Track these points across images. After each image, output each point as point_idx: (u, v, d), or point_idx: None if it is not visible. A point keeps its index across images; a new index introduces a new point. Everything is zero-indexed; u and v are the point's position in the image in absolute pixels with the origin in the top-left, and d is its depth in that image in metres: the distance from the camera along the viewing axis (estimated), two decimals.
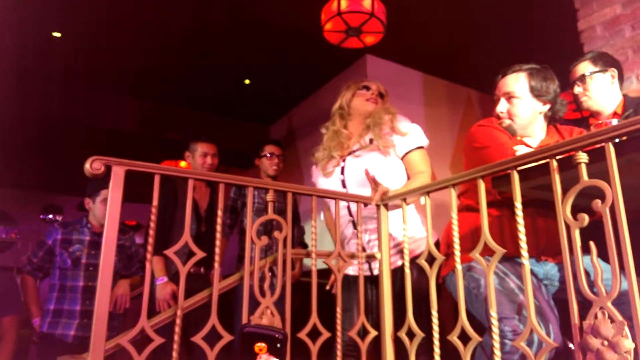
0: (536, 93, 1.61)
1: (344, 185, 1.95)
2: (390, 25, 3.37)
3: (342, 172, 1.96)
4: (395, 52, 4.55)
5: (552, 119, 1.68)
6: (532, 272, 1.51)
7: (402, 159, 1.94)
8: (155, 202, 1.39)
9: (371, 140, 1.97)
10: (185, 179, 1.48)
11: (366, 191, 1.77)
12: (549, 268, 1.55)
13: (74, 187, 2.83)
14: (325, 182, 2.00)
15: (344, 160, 1.98)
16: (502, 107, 1.65)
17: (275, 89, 5.37)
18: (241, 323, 1.44)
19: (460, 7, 3.88)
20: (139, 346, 1.33)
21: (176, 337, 1.33)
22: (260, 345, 0.59)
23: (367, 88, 2.07)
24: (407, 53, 4.58)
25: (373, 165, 1.88)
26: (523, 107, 1.62)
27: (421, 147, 1.94)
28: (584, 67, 2.01)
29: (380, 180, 1.73)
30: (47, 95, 5.00)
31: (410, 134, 1.93)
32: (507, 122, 1.64)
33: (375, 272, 1.79)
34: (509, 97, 1.64)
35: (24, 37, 4.13)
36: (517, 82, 1.63)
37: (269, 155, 3.02)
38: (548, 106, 1.64)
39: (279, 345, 0.59)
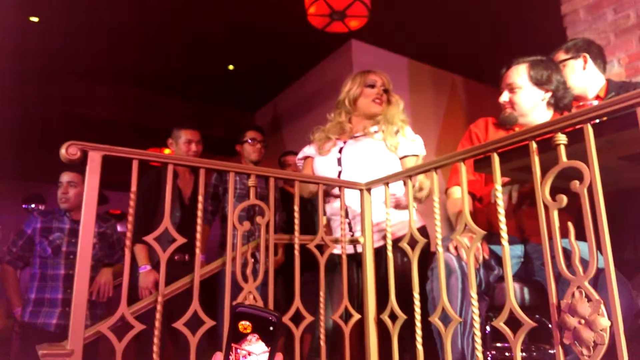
0: (536, 82, 1.70)
1: (339, 163, 2.01)
2: (374, 9, 3.34)
3: (340, 152, 2.03)
4: (381, 37, 4.52)
5: (557, 106, 1.75)
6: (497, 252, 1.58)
7: (400, 159, 2.00)
8: (133, 187, 1.37)
9: (375, 131, 2.03)
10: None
11: (360, 172, 1.87)
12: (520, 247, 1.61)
13: (55, 176, 2.78)
14: (321, 160, 2.08)
15: (344, 142, 2.05)
16: (504, 97, 1.77)
17: (259, 75, 5.31)
18: (223, 309, 1.44)
19: None
20: (121, 333, 1.31)
21: (157, 324, 1.33)
22: (244, 324, 0.57)
23: (373, 86, 2.09)
24: (392, 38, 4.56)
25: (371, 150, 1.97)
26: (523, 96, 1.72)
27: (417, 156, 2.01)
28: (558, 57, 2.07)
29: (376, 165, 1.83)
30: (36, 85, 4.88)
31: (415, 142, 2.01)
32: (508, 111, 1.76)
33: (359, 250, 1.81)
34: (511, 88, 1.74)
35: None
36: (517, 73, 1.73)
37: (250, 140, 2.99)
38: (549, 94, 1.72)
39: (271, 328, 0.57)
